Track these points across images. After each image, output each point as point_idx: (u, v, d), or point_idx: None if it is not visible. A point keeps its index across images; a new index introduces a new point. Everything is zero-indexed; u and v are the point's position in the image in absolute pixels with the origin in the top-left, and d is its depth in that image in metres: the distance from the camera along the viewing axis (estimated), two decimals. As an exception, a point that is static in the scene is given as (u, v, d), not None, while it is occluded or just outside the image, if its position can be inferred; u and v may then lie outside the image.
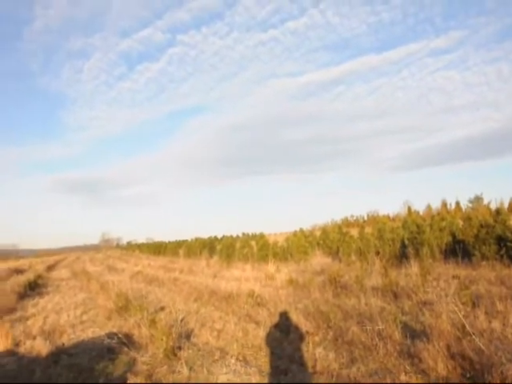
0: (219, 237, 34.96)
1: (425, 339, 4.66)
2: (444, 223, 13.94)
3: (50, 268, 29.59)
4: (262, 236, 24.99)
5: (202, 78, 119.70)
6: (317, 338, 5.64)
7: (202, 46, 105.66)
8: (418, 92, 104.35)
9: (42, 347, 6.14)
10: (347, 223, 54.62)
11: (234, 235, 40.85)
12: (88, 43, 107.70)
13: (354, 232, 18.27)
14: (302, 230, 25.17)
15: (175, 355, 5.36)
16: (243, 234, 43.57)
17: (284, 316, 6.68)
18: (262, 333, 6.06)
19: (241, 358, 5.20)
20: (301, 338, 5.67)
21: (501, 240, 10.50)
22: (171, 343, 5.50)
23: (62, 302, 10.96)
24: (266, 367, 4.87)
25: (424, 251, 12.31)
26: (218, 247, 24.28)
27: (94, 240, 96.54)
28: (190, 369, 4.84)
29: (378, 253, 13.55)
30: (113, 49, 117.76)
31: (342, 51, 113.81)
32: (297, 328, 6.06)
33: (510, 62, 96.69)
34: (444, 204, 54.13)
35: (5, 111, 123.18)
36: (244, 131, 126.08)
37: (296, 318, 6.57)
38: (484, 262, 10.25)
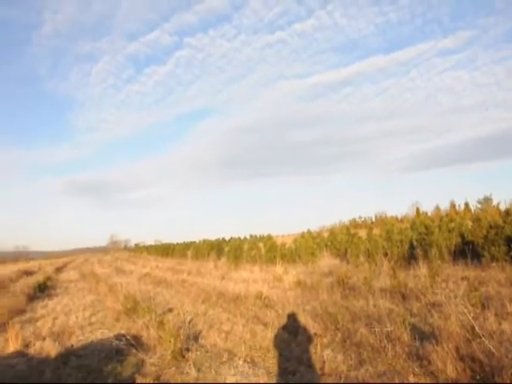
0: (227, 238, 34.99)
1: (434, 341, 4.64)
2: (453, 224, 13.84)
3: (59, 270, 29.75)
4: (269, 238, 24.95)
5: (209, 80, 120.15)
6: (325, 340, 5.63)
7: (209, 48, 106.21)
8: (427, 92, 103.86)
9: (51, 348, 6.17)
10: (355, 224, 54.47)
11: (242, 237, 40.87)
12: (96, 47, 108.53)
13: (362, 233, 18.20)
14: (309, 232, 25.10)
15: (183, 357, 5.37)
16: (251, 235, 43.55)
17: (292, 318, 6.67)
18: (270, 334, 6.06)
19: (249, 360, 5.19)
20: (309, 339, 5.66)
21: (510, 241, 10.42)
22: (179, 345, 5.51)
23: (70, 304, 11.01)
24: (274, 369, 4.86)
25: (433, 252, 12.24)
26: (226, 249, 24.29)
27: (103, 242, 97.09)
28: (198, 370, 4.85)
29: (386, 254, 13.49)
30: (120, 52, 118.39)
31: (349, 52, 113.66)
32: (305, 330, 6.05)
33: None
34: (453, 205, 53.83)
35: (14, 115, 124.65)
36: (252, 133, 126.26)
37: (304, 319, 6.55)
38: (493, 264, 10.17)
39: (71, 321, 8.54)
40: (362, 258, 14.72)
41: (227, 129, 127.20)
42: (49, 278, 19.14)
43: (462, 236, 12.66)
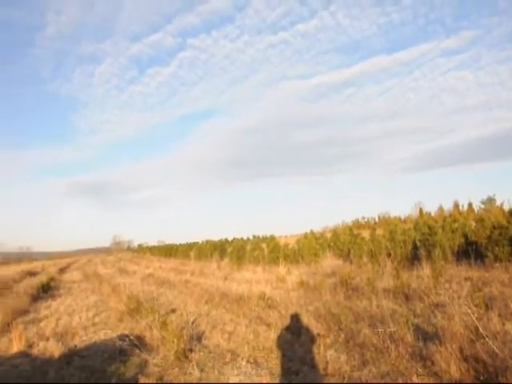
0: (230, 239, 34.96)
1: (437, 341, 4.62)
2: (456, 225, 13.80)
3: (62, 270, 29.84)
4: (272, 238, 24.92)
5: (212, 81, 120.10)
6: (328, 340, 5.62)
7: (212, 49, 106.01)
8: (430, 93, 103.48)
9: (54, 349, 6.19)
10: (358, 225, 54.35)
11: (245, 237, 40.86)
12: (99, 48, 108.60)
13: (365, 234, 18.19)
14: (312, 232, 25.12)
15: (186, 357, 5.37)
16: (254, 236, 43.57)
17: (295, 318, 6.67)
18: (273, 335, 6.06)
19: (252, 360, 5.19)
20: (312, 340, 5.65)
21: (514, 241, 10.38)
22: (182, 345, 5.51)
23: (74, 305, 11.04)
24: (277, 369, 4.86)
25: (436, 253, 12.22)
26: (229, 249, 24.27)
27: (106, 243, 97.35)
28: (201, 371, 4.85)
29: (389, 255, 13.48)
30: (123, 53, 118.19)
31: (352, 53, 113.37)
32: (308, 330, 6.05)
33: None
34: (456, 205, 53.63)
35: (18, 116, 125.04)
36: (255, 134, 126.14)
37: (307, 320, 6.55)
38: (497, 264, 10.15)
39: (74, 321, 8.56)
40: (365, 259, 14.71)
41: (230, 129, 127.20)
42: (52, 279, 19.20)
43: (466, 236, 12.63)
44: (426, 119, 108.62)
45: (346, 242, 17.48)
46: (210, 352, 5.65)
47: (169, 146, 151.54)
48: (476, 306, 6.04)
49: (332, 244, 19.08)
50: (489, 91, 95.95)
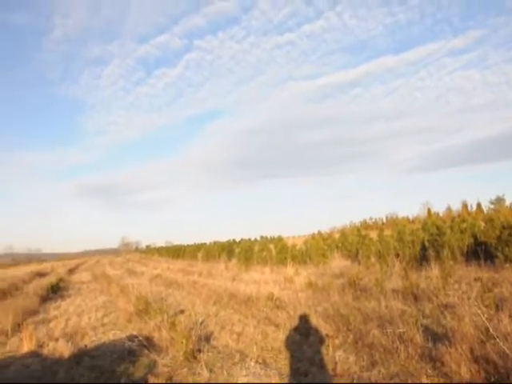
0: (237, 240, 35.04)
1: (447, 342, 4.60)
2: (465, 225, 13.71)
3: (71, 271, 30.04)
4: (280, 239, 24.98)
5: (219, 82, 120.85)
6: (337, 341, 5.61)
7: (218, 50, 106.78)
8: (437, 92, 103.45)
9: (64, 349, 6.23)
10: (366, 226, 54.29)
11: (253, 238, 40.98)
12: (106, 50, 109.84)
13: (373, 234, 18.12)
14: (320, 233, 25.08)
15: (195, 358, 5.39)
16: (261, 237, 43.72)
17: (303, 319, 6.66)
18: (281, 335, 6.06)
19: (260, 361, 5.19)
20: (321, 340, 5.65)
21: (524, 242, 10.29)
22: (191, 346, 5.52)
23: (83, 305, 11.11)
24: (286, 370, 4.86)
25: (445, 253, 12.14)
26: (237, 250, 24.28)
27: (114, 244, 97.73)
28: (210, 371, 4.86)
29: (397, 255, 13.41)
30: (130, 55, 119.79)
31: (358, 53, 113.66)
32: (316, 331, 6.04)
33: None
34: (465, 205, 53.42)
35: (25, 118, 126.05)
36: (261, 134, 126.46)
37: (315, 320, 6.54)
38: (507, 265, 10.05)
39: (84, 322, 8.62)
40: (373, 259, 14.64)
41: (237, 130, 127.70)
42: (61, 280, 19.33)
43: (475, 237, 12.53)
44: (432, 119, 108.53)
45: (354, 243, 17.41)
46: (218, 352, 5.65)
47: (175, 147, 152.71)
48: (486, 306, 5.99)
49: (340, 245, 19.02)
50: (496, 90, 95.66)
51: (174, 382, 4.73)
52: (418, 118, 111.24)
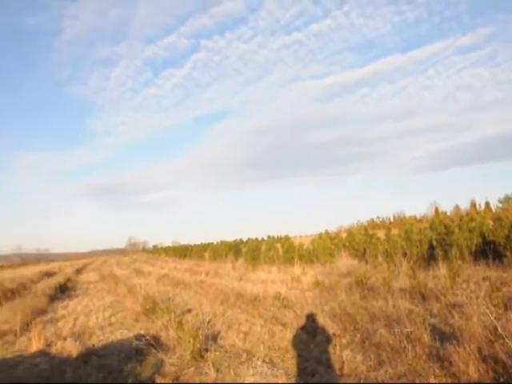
0: (244, 240, 35.00)
1: (455, 342, 4.57)
2: (473, 224, 13.62)
3: (79, 271, 30.20)
4: (287, 238, 24.95)
5: (226, 82, 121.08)
6: (344, 341, 5.59)
7: (226, 50, 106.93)
8: (445, 91, 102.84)
9: (72, 348, 6.27)
10: (373, 225, 54.12)
11: (260, 238, 40.90)
12: (114, 51, 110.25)
13: (381, 234, 18.05)
14: (327, 232, 25.02)
15: (202, 357, 5.39)
16: (268, 236, 43.58)
17: (310, 318, 6.65)
18: (288, 335, 6.05)
19: (267, 360, 5.19)
20: (328, 340, 5.63)
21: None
22: (198, 345, 5.53)
23: (90, 305, 11.16)
24: (293, 369, 4.85)
25: (453, 252, 12.06)
26: (244, 250, 24.28)
27: (121, 244, 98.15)
28: (217, 370, 4.86)
29: (405, 254, 13.34)
30: (138, 56, 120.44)
31: (366, 52, 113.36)
32: (323, 330, 6.02)
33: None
34: (473, 204, 53.09)
35: (34, 118, 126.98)
36: (268, 135, 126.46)
37: (323, 320, 6.53)
38: (516, 264, 9.98)
39: (91, 321, 8.66)
40: (380, 259, 14.59)
41: (244, 130, 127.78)
42: (69, 280, 19.45)
43: (483, 236, 12.45)
44: (441, 118, 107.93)
45: (361, 242, 17.36)
46: (225, 352, 5.66)
47: (183, 148, 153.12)
48: (494, 306, 5.96)
49: (347, 244, 18.96)
50: (505, 88, 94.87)
51: (181, 381, 4.74)
52: (427, 116, 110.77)
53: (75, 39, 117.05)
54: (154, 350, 5.68)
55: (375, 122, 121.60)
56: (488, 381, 3.75)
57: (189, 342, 5.54)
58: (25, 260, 63.48)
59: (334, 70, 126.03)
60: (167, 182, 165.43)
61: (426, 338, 5.00)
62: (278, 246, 21.32)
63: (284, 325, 6.76)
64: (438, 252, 12.44)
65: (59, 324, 8.54)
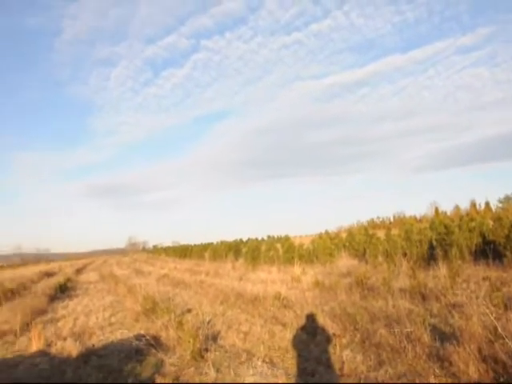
0: (245, 240, 34.98)
1: (455, 342, 4.57)
2: (473, 224, 13.61)
3: (79, 271, 30.20)
4: (287, 238, 24.95)
5: (226, 82, 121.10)
6: (344, 341, 5.59)
7: (226, 50, 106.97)
8: (445, 91, 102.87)
9: (72, 348, 6.27)
10: (373, 225, 54.12)
11: (260, 238, 40.89)
12: (114, 51, 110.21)
13: (381, 234, 18.04)
14: (327, 232, 25.01)
15: (202, 357, 5.39)
16: (268, 236, 43.55)
17: (310, 318, 6.65)
18: (288, 335, 6.05)
19: (267, 360, 5.19)
20: (328, 340, 5.63)
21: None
22: (198, 345, 5.53)
23: (90, 305, 11.16)
24: (293, 369, 4.85)
25: (453, 252, 12.06)
26: (244, 250, 24.27)
27: (121, 244, 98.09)
28: (217, 370, 4.86)
29: (405, 254, 13.34)
30: (138, 56, 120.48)
31: (366, 52, 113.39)
32: (323, 330, 6.02)
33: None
34: (473, 204, 53.09)
35: (35, 118, 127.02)
36: (269, 134, 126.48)
37: (323, 320, 6.53)
38: (516, 264, 9.97)
39: (91, 321, 8.66)
40: (380, 259, 14.58)
41: (244, 130, 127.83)
42: (69, 280, 19.45)
43: (483, 236, 12.44)
44: (441, 118, 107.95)
45: (361, 242, 17.35)
46: (225, 352, 5.66)
47: (183, 148, 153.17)
48: (494, 306, 5.96)
49: (347, 244, 18.95)
50: (505, 88, 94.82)
51: (181, 381, 4.74)
52: (427, 116, 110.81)
53: (75, 39, 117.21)
54: (154, 350, 5.68)
55: (375, 121, 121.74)
56: (488, 381, 3.75)
57: (189, 341, 5.54)
58: (25, 260, 63.49)
59: (334, 70, 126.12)
60: (168, 182, 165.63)
61: (426, 337, 5.00)
62: (278, 245, 21.32)
63: (284, 325, 6.76)
64: (438, 252, 12.44)
65: (59, 324, 8.54)
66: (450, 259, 11.63)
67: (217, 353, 5.57)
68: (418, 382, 4.02)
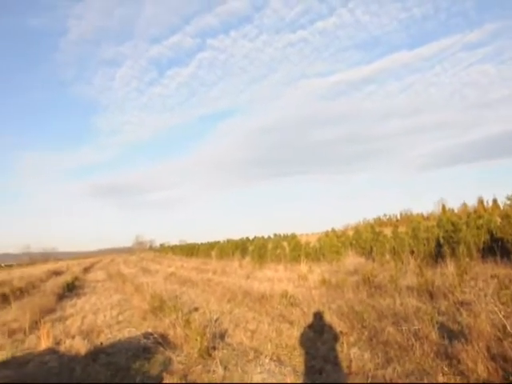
0: (251, 238, 34.95)
1: (463, 340, 4.55)
2: (481, 221, 13.51)
3: (87, 270, 30.36)
4: (293, 237, 24.87)
5: (232, 81, 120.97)
6: (351, 338, 5.59)
7: (231, 49, 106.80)
8: (452, 88, 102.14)
9: (80, 346, 6.30)
10: (380, 223, 53.91)
11: (266, 236, 40.89)
12: (119, 51, 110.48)
13: (387, 231, 17.95)
14: (334, 230, 24.94)
15: (210, 355, 5.41)
16: (275, 234, 43.54)
17: (318, 316, 6.65)
18: (295, 333, 6.05)
19: (275, 358, 5.20)
20: (335, 338, 5.63)
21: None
22: (206, 343, 5.55)
23: (98, 303, 11.22)
24: (301, 367, 4.86)
25: (460, 250, 11.98)
26: (250, 248, 24.26)
27: (128, 243, 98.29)
28: (225, 368, 4.87)
29: (412, 252, 13.29)
30: (143, 55, 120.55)
31: (372, 49, 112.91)
32: (331, 328, 6.02)
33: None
34: (480, 201, 52.75)
35: (40, 118, 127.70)
36: (274, 133, 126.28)
37: (330, 318, 6.52)
38: (524, 261, 9.90)
39: (99, 319, 8.71)
40: (387, 257, 14.53)
41: (250, 129, 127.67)
42: (77, 278, 19.57)
43: (491, 233, 12.36)
44: (447, 115, 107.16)
45: (368, 240, 17.29)
46: (233, 350, 5.67)
47: (188, 147, 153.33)
48: (503, 304, 5.92)
49: (354, 242, 18.90)
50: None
51: (188, 379, 4.75)
52: (434, 113, 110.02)
53: (80, 39, 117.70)
54: (161, 348, 5.70)
55: (381, 119, 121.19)
56: (497, 380, 3.73)
57: (196, 340, 5.56)
58: (33, 259, 63.78)
59: (340, 68, 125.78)
60: (173, 181, 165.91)
61: (434, 335, 4.99)
62: (285, 244, 21.28)
63: (291, 323, 6.76)
64: (446, 249, 12.37)
65: (67, 322, 8.59)
66: (457, 257, 11.57)
67: (224, 351, 5.59)
68: (426, 380, 4.00)
